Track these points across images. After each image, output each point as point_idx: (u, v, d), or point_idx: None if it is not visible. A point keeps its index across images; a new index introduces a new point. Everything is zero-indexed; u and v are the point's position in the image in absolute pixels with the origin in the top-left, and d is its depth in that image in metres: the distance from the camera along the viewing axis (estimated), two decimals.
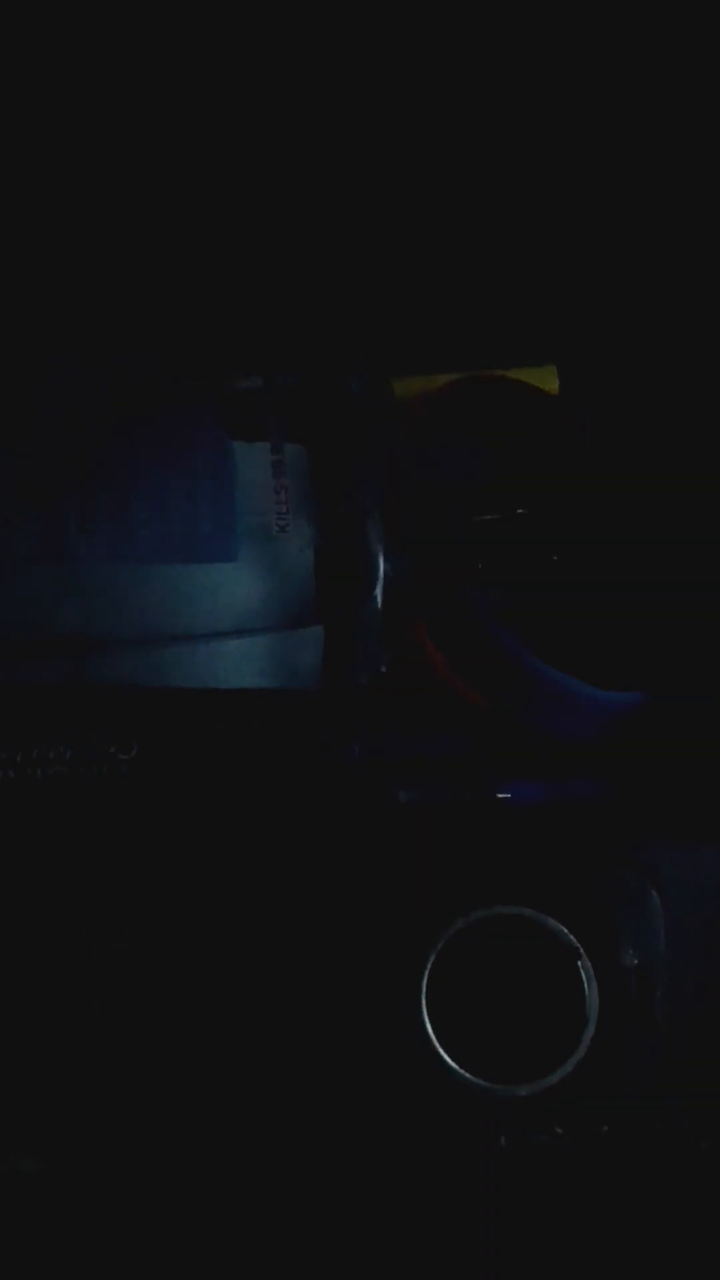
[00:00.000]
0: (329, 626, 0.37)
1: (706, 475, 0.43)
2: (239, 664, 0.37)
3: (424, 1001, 0.36)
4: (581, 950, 0.36)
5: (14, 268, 0.44)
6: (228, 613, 0.37)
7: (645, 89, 0.44)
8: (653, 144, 0.45)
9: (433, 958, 0.36)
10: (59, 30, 0.42)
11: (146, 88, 0.43)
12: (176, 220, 0.45)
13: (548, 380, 0.46)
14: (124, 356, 0.39)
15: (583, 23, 0.43)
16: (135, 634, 0.36)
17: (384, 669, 0.38)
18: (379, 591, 0.37)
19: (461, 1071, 0.36)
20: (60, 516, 0.36)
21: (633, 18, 0.43)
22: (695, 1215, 0.37)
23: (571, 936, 0.36)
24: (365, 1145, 0.36)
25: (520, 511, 0.45)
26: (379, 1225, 0.37)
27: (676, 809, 0.40)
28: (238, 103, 0.44)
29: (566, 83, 0.44)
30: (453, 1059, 0.36)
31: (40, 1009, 0.37)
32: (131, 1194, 0.37)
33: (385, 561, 0.37)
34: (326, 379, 0.39)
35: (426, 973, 0.36)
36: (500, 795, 0.40)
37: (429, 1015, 0.36)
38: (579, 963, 0.36)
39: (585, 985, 0.36)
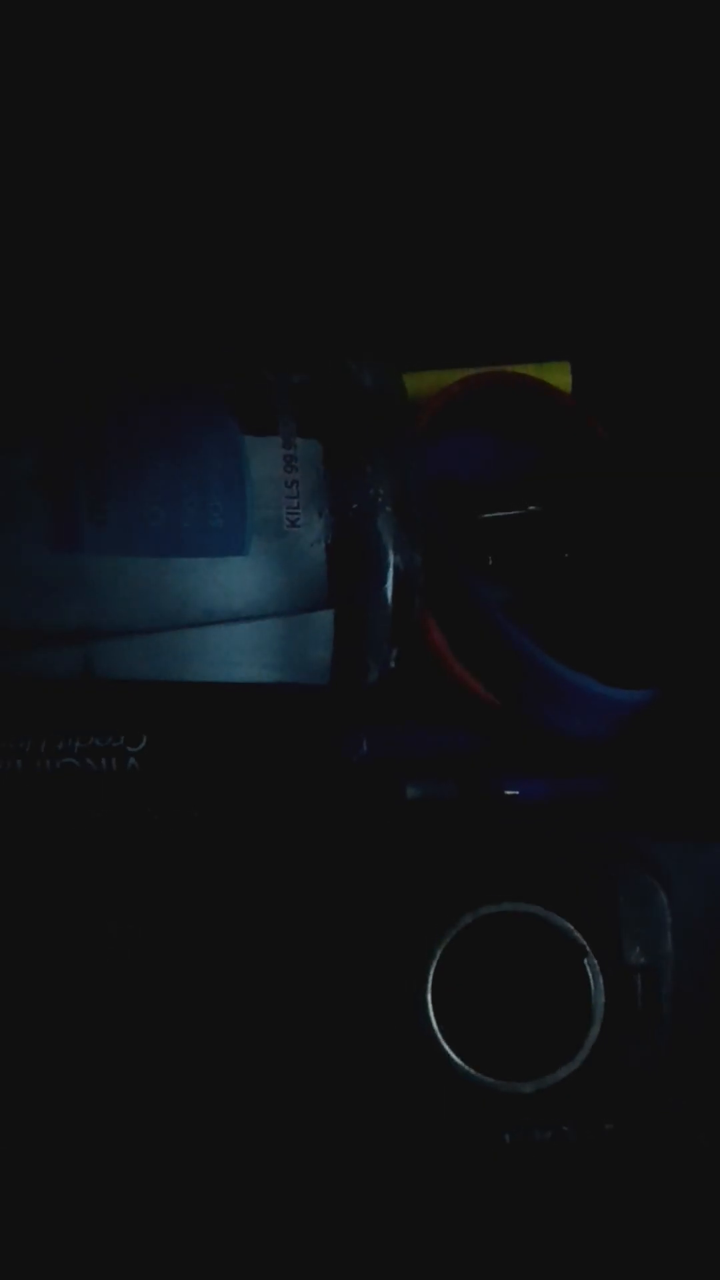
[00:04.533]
0: (339, 622, 0.37)
1: (718, 473, 0.43)
2: (248, 655, 0.37)
3: (430, 997, 0.36)
4: (588, 948, 0.36)
5: (33, 265, 0.44)
6: (238, 606, 0.37)
7: (652, 81, 0.44)
8: (663, 142, 0.45)
9: (439, 954, 0.36)
10: (63, 28, 0.42)
11: (155, 89, 0.43)
12: (188, 218, 0.45)
13: (560, 377, 0.46)
14: (139, 352, 0.39)
15: (593, 18, 0.43)
16: (144, 627, 0.36)
17: (393, 664, 0.38)
18: (389, 587, 0.37)
19: (466, 1068, 0.36)
20: (72, 507, 0.36)
21: (642, 14, 0.43)
22: (698, 1212, 0.37)
23: (578, 934, 0.36)
24: (370, 1141, 0.37)
25: (532, 508, 0.45)
26: (383, 1221, 0.37)
27: (684, 808, 0.40)
28: (245, 101, 0.44)
29: (575, 74, 0.44)
30: (458, 1055, 0.36)
31: (45, 1002, 0.37)
32: (133, 1189, 0.37)
33: (396, 557, 0.37)
34: (339, 374, 0.39)
35: (433, 969, 0.36)
36: (508, 792, 0.40)
37: (435, 1011, 0.36)
38: (585, 960, 0.36)
39: (591, 983, 0.36)
